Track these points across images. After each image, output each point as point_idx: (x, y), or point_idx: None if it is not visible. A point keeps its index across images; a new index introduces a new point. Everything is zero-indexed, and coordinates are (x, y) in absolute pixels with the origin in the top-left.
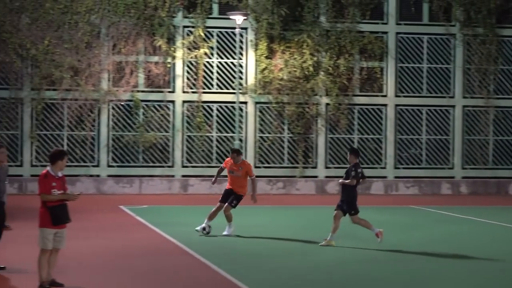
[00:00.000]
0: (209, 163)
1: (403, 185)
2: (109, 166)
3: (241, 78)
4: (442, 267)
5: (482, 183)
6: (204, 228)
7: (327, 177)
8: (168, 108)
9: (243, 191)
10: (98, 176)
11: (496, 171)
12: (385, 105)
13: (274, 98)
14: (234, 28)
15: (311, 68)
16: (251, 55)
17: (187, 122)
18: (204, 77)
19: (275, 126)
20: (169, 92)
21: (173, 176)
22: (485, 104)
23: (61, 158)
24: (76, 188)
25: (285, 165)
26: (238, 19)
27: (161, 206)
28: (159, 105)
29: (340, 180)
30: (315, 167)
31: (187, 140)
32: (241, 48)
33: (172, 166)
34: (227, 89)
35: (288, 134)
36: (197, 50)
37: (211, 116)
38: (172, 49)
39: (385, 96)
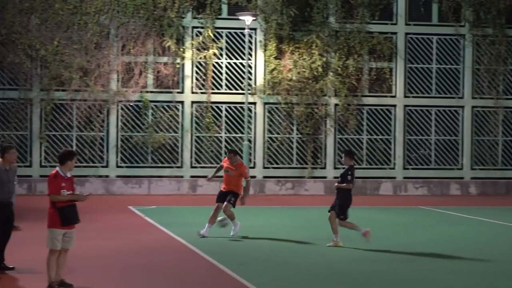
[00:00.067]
0: (218, 163)
1: (412, 186)
2: (118, 166)
3: (250, 79)
4: (450, 267)
5: (491, 184)
6: (202, 234)
7: (336, 177)
8: (177, 109)
9: (239, 190)
10: (107, 176)
11: (506, 172)
12: (394, 105)
13: (283, 98)
14: (243, 28)
15: (320, 69)
16: (260, 55)
17: (196, 123)
18: (213, 78)
19: (284, 127)
20: (178, 92)
21: (182, 176)
22: (494, 105)
23: (71, 159)
24: (85, 188)
25: (294, 166)
26: (247, 19)
27: (170, 206)
28: (168, 106)
29: (336, 184)
30: (324, 168)
31: (196, 141)
32: (250, 48)
33: (181, 167)
34: (236, 89)
35: (297, 134)
36: (206, 51)
37: (220, 116)
38: (181, 49)
39: (394, 96)
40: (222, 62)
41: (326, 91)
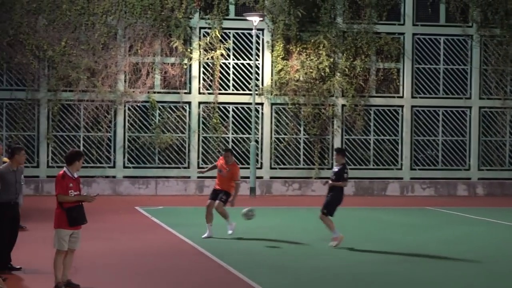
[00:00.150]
0: None
1: (419, 186)
2: (125, 167)
3: (257, 79)
4: (457, 269)
5: (498, 184)
6: (207, 236)
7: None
8: (184, 109)
9: (230, 190)
10: (114, 177)
11: None
12: (402, 106)
13: (290, 99)
14: (251, 29)
15: (327, 69)
16: (268, 56)
17: (203, 123)
18: (221, 78)
19: (291, 127)
20: (185, 93)
21: (189, 177)
22: (501, 105)
23: (78, 159)
24: (92, 189)
25: (301, 166)
26: (254, 20)
27: (177, 207)
28: (175, 106)
29: (329, 182)
30: (331, 169)
31: (203, 141)
32: (258, 49)
33: (188, 167)
34: (243, 90)
35: (304, 135)
36: (213, 51)
37: (227, 117)
38: (189, 50)
39: (401, 97)
40: (229, 63)
41: (333, 92)
